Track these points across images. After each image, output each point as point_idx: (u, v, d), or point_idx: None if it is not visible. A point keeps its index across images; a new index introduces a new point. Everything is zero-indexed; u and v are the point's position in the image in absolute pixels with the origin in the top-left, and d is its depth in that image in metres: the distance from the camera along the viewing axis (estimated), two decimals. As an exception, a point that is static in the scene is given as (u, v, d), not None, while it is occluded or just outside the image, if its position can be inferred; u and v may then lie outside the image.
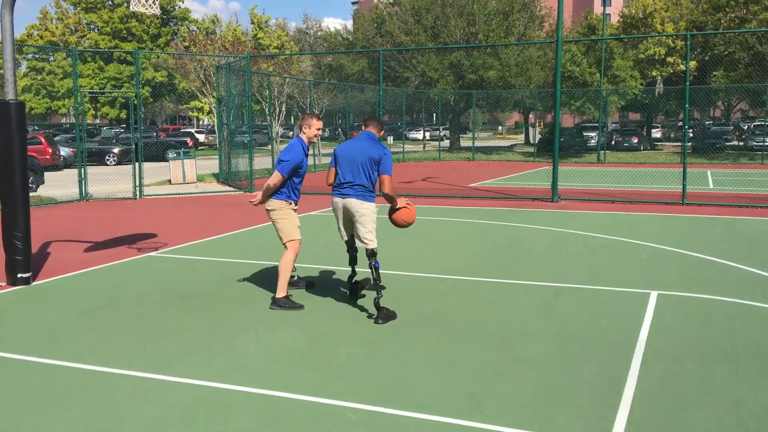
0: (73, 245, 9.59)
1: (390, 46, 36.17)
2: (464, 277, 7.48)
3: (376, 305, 5.91)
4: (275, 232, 6.57)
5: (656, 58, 34.33)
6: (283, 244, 6.51)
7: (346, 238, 6.29)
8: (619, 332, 5.50)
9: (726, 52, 33.22)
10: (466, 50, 35.46)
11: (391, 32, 37.36)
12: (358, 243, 6.08)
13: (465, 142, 44.68)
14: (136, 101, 15.21)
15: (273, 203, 6.49)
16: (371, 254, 5.94)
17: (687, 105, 13.18)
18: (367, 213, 5.95)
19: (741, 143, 41.20)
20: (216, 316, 6.03)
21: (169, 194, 16.36)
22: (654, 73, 34.58)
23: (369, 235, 5.95)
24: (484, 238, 10.11)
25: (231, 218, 12.27)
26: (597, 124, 43.70)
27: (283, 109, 25.53)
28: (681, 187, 13.87)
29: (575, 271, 7.71)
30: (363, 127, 6.29)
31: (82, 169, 14.92)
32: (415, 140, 51.78)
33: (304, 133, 6.54)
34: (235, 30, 42.76)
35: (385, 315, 5.88)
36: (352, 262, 6.48)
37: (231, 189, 17.62)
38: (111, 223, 11.65)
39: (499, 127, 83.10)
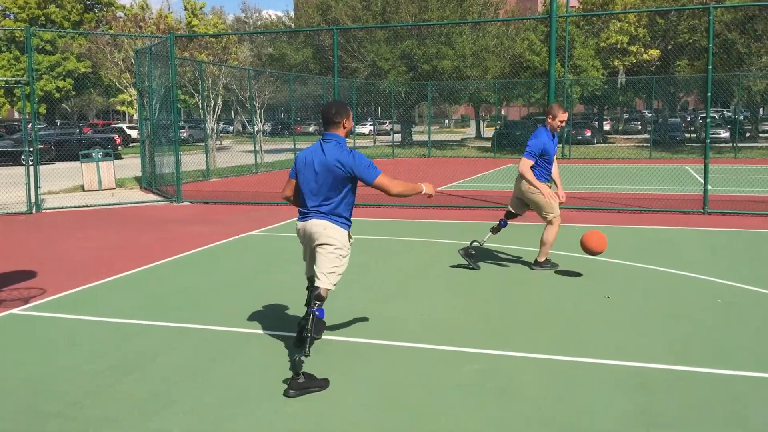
0: None
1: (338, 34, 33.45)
2: (493, 351, 4.93)
3: (297, 369, 4.20)
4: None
5: (618, 47, 32.55)
6: (548, 219, 7.19)
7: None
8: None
9: (690, 40, 31.65)
10: (418, 39, 32.97)
11: (337, 19, 34.57)
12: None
13: (416, 137, 42.33)
14: (28, 91, 12.13)
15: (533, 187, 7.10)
16: (318, 297, 4.45)
17: (709, 93, 10.92)
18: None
19: (693, 135, 40.15)
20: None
21: (76, 207, 13.32)
22: (616, 63, 32.80)
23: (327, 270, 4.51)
24: (490, 273, 7.59)
25: (149, 243, 9.45)
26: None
27: (219, 102, 22.56)
28: (692, 189, 11.72)
29: (645, 336, 5.25)
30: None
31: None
32: (362, 135, 49.25)
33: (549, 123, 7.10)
34: (167, 17, 39.21)
35: (300, 386, 4.19)
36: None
37: (155, 198, 14.68)
38: (-19, 254, 8.70)
39: (446, 121, 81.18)
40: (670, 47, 32.83)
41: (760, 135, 39.43)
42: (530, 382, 4.38)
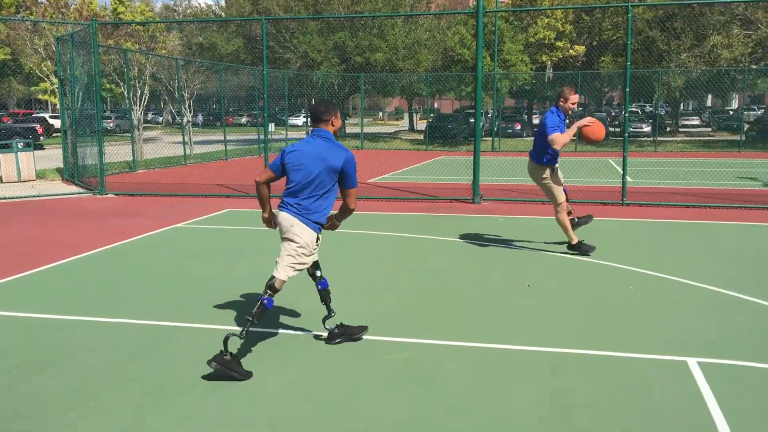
0: None
1: (269, 24, 33.01)
2: (417, 340, 5.03)
3: (226, 345, 4.28)
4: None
5: (546, 42, 33.33)
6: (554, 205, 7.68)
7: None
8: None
9: (614, 37, 32.66)
10: (351, 31, 32.92)
11: (268, 9, 34.15)
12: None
13: (349, 129, 42.30)
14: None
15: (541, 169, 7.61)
16: (271, 287, 4.48)
17: (628, 88, 11.31)
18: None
19: (617, 129, 41.51)
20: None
21: (-7, 199, 12.81)
22: (544, 58, 33.58)
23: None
24: (417, 264, 7.70)
25: (70, 236, 9.18)
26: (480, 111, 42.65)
27: (146, 91, 22.01)
28: (612, 182, 12.15)
29: (562, 322, 5.45)
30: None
31: None
32: (295, 126, 48.94)
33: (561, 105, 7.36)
34: (91, 3, 37.90)
35: (223, 361, 4.23)
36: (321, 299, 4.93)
37: (78, 190, 14.24)
38: None
39: (380, 113, 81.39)
40: (595, 43, 33.82)
41: (680, 129, 41.10)
42: (452, 369, 4.49)
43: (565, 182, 7.97)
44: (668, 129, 39.12)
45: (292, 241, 4.51)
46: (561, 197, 7.68)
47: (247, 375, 4.31)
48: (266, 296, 4.43)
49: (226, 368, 4.22)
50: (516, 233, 9.26)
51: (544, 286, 6.50)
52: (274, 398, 4.05)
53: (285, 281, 4.52)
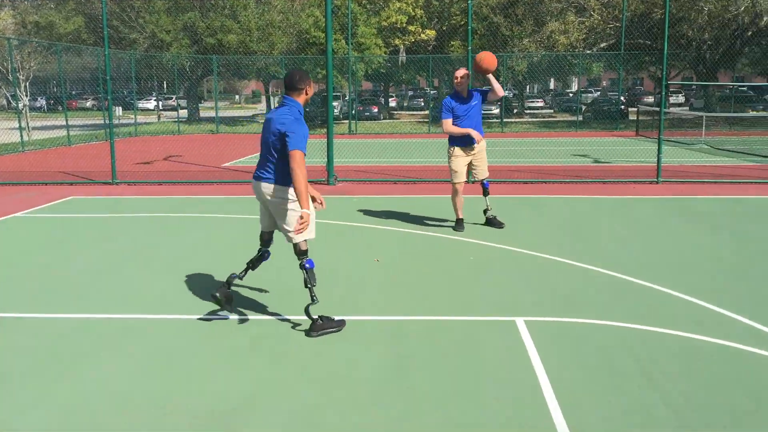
0: None
1: (111, 2, 31.36)
2: (268, 317, 5.16)
3: (307, 313, 4.76)
4: None
5: (398, 26, 34.09)
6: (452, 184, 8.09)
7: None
8: (523, 404, 3.66)
9: (462, 22, 33.96)
10: (201, 11, 31.99)
11: (111, -14, 32.41)
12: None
13: (204, 113, 41.20)
14: None
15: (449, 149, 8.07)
16: (298, 253, 4.80)
17: (471, 71, 11.87)
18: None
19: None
20: None
21: None
22: (397, 42, 34.34)
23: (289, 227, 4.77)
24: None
25: None
26: (337, 94, 42.89)
27: (-25, 73, 20.33)
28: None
29: (406, 292, 5.78)
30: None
31: None
32: (146, 110, 46.94)
33: None
34: None
35: (320, 326, 4.77)
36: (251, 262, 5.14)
37: None
38: None
39: (237, 96, 79.66)
40: (444, 28, 35.00)
41: (525, 111, 43.54)
42: (301, 341, 4.68)
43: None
44: (515, 111, 41.32)
45: (276, 205, 4.70)
46: (457, 178, 8.10)
47: (342, 324, 4.86)
48: (305, 260, 4.72)
49: (324, 331, 4.73)
50: (369, 212, 9.57)
51: (392, 260, 6.83)
52: (120, 380, 4.05)
53: (302, 241, 4.74)
